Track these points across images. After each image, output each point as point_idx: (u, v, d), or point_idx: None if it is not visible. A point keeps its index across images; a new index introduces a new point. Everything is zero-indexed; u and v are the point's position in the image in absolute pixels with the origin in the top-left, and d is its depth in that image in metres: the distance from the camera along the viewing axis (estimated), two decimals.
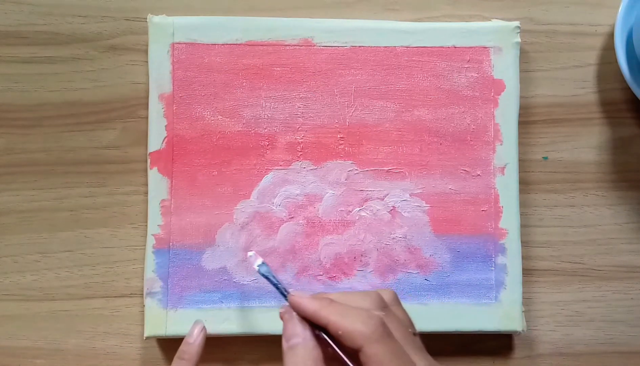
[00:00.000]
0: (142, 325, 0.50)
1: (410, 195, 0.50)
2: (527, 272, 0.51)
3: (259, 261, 0.45)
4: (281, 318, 0.40)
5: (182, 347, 0.47)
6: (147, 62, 0.50)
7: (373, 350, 0.35)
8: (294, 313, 0.39)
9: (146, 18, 0.50)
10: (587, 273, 0.52)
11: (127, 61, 0.51)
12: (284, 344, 0.38)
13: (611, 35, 0.52)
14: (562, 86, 0.53)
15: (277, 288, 0.43)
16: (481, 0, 0.53)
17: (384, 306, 0.39)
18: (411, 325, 0.41)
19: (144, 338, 0.49)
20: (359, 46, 0.50)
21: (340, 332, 0.36)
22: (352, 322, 0.36)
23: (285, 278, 0.49)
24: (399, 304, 0.41)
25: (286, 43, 0.50)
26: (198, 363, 0.47)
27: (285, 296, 0.41)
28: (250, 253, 0.46)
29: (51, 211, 0.51)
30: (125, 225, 0.51)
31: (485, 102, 0.51)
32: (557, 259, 0.52)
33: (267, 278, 0.44)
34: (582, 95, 0.53)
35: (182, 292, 0.49)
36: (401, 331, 0.38)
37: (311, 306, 0.38)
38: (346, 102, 0.50)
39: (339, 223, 0.50)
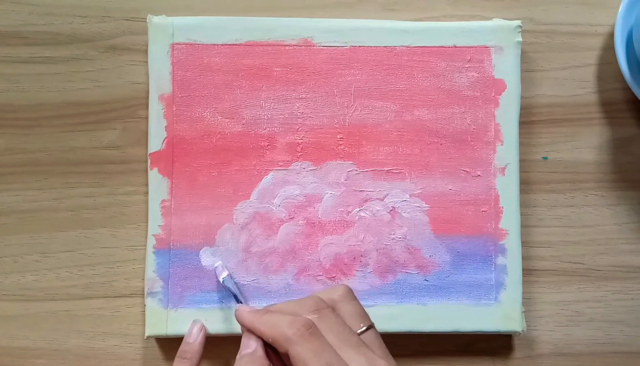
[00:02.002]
0: (142, 325, 0.50)
1: (410, 195, 0.50)
2: (527, 272, 0.51)
3: (225, 274, 0.48)
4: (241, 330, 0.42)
5: (183, 347, 0.47)
6: (147, 62, 0.50)
7: (296, 351, 0.37)
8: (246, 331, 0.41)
9: (146, 18, 0.50)
10: (587, 273, 0.52)
11: (127, 61, 0.51)
12: (238, 355, 0.40)
13: (611, 35, 0.52)
14: (562, 86, 0.53)
15: (237, 300, 0.47)
16: (481, 0, 0.53)
17: (319, 308, 0.40)
18: (364, 319, 0.41)
19: (145, 338, 0.49)
20: (359, 46, 0.50)
21: (270, 340, 0.38)
22: (276, 328, 0.38)
23: (285, 278, 0.49)
24: (351, 299, 0.42)
25: (286, 43, 0.50)
26: (199, 363, 0.47)
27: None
28: (217, 263, 0.49)
29: (51, 211, 0.51)
30: (126, 225, 0.51)
31: (485, 102, 0.51)
32: (557, 259, 0.52)
33: (229, 290, 0.47)
34: (582, 95, 0.53)
35: (183, 292, 0.49)
36: (335, 330, 0.38)
37: (248, 319, 0.41)
38: (346, 103, 0.50)
39: (338, 223, 0.50)
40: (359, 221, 0.50)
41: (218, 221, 0.49)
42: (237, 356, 0.40)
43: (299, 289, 0.49)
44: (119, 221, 0.51)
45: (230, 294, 0.48)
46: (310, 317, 0.39)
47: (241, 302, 0.47)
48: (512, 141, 0.50)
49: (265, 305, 0.49)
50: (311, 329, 0.37)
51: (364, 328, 0.40)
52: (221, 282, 0.48)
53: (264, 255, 0.49)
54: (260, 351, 0.40)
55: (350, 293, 0.42)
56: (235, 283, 0.48)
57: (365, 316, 0.42)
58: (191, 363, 0.47)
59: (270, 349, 0.40)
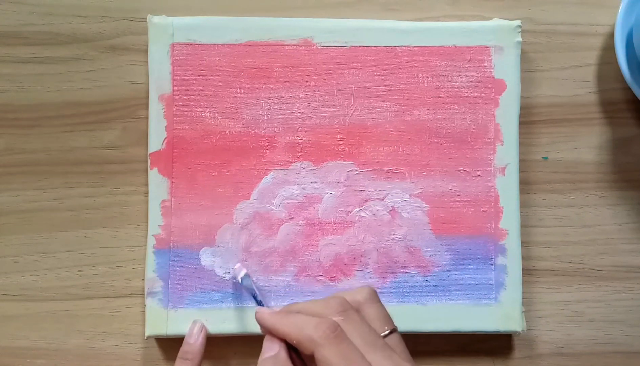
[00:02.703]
0: (142, 325, 0.50)
1: (410, 195, 0.50)
2: (527, 272, 0.51)
3: (243, 272, 0.48)
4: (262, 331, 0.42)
5: (184, 347, 0.47)
6: (147, 62, 0.50)
7: (322, 354, 0.36)
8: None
9: (146, 18, 0.50)
10: (587, 273, 0.52)
11: (127, 61, 0.51)
12: (260, 357, 0.39)
13: (611, 35, 0.52)
14: (562, 86, 0.53)
15: (255, 300, 0.46)
16: (481, 0, 0.53)
17: (344, 309, 0.39)
18: (387, 322, 0.41)
19: (145, 338, 0.49)
20: (359, 46, 0.50)
21: (295, 342, 0.38)
22: (301, 330, 0.37)
23: (285, 278, 0.49)
24: (375, 301, 0.41)
25: (286, 43, 0.50)
26: (201, 363, 0.47)
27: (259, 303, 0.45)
28: (237, 265, 0.49)
29: (51, 211, 0.51)
30: (125, 225, 0.51)
31: (486, 102, 0.51)
32: (557, 259, 0.52)
33: (248, 289, 0.47)
34: (582, 95, 0.53)
35: (183, 292, 0.49)
36: (361, 333, 0.38)
37: (270, 321, 0.40)
38: (346, 103, 0.50)
39: (338, 223, 0.50)
40: (359, 221, 0.50)
41: (218, 221, 0.49)
42: (260, 359, 0.39)
43: (299, 290, 0.49)
44: (119, 221, 0.51)
45: (249, 294, 0.47)
46: (335, 319, 0.38)
47: (261, 302, 0.46)
48: (512, 141, 0.50)
49: (268, 303, 0.49)
50: (337, 331, 0.37)
51: (388, 332, 0.40)
52: (240, 282, 0.48)
53: (264, 255, 0.49)
54: (284, 355, 0.39)
55: (374, 295, 0.42)
56: (254, 282, 0.48)
57: (389, 319, 0.41)
58: (193, 363, 0.47)
59: (292, 351, 0.39)
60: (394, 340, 0.40)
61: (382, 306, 0.41)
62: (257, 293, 0.47)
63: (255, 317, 0.41)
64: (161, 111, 0.49)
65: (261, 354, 0.39)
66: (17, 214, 0.51)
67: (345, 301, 0.40)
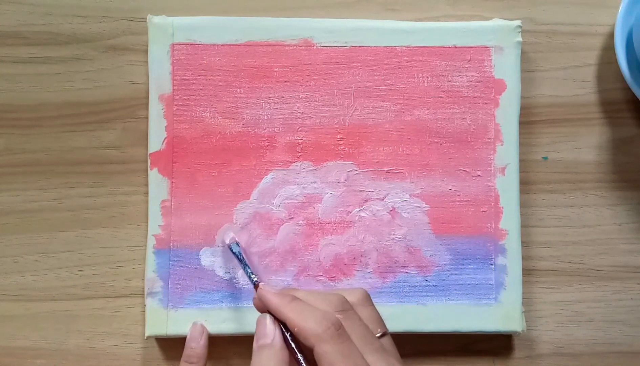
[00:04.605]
0: (142, 325, 0.50)
1: (410, 196, 0.50)
2: (527, 272, 0.51)
3: (231, 238, 0.48)
4: (255, 305, 0.41)
5: (187, 351, 0.47)
6: (147, 62, 0.50)
7: (323, 349, 0.36)
8: (267, 315, 0.40)
9: (146, 18, 0.50)
10: (587, 273, 0.52)
11: (127, 61, 0.51)
12: (254, 344, 0.39)
13: (611, 35, 0.52)
14: (562, 86, 0.53)
15: (245, 271, 0.46)
16: (481, 0, 0.53)
17: (345, 308, 0.39)
18: (380, 325, 0.41)
19: (145, 338, 0.49)
20: (359, 46, 0.50)
21: (295, 329, 0.38)
22: (306, 320, 0.37)
23: (285, 278, 0.49)
24: (369, 304, 0.42)
25: (286, 43, 0.50)
26: (205, 365, 0.47)
27: (252, 281, 0.44)
28: (230, 234, 0.48)
29: (51, 211, 0.51)
30: (126, 225, 0.51)
31: (485, 102, 0.51)
32: (557, 260, 0.52)
33: (237, 258, 0.46)
34: (582, 95, 0.53)
35: (183, 292, 0.49)
36: (360, 333, 0.38)
37: (274, 300, 0.40)
38: (346, 103, 0.50)
39: (338, 223, 0.50)
40: (359, 221, 0.50)
41: (218, 221, 0.49)
42: (255, 345, 0.39)
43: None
44: (119, 221, 0.51)
45: (238, 262, 0.47)
46: (336, 316, 0.38)
47: (251, 274, 0.45)
48: (512, 141, 0.50)
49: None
50: (340, 330, 0.37)
51: (380, 334, 0.40)
52: (229, 249, 0.48)
53: (264, 255, 0.49)
54: (280, 342, 0.39)
55: (368, 298, 0.42)
56: (244, 251, 0.48)
57: (382, 321, 0.41)
58: None
59: (285, 334, 0.39)
60: (387, 342, 0.40)
61: (375, 308, 0.42)
62: (246, 261, 0.46)
63: (257, 292, 0.41)
64: (161, 111, 0.50)
65: (256, 337, 0.39)
66: (17, 214, 0.51)
67: (345, 300, 0.40)
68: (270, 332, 0.39)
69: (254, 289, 0.43)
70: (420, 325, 0.50)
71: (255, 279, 0.44)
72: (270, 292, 0.40)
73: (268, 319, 0.40)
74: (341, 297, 0.40)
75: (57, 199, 0.51)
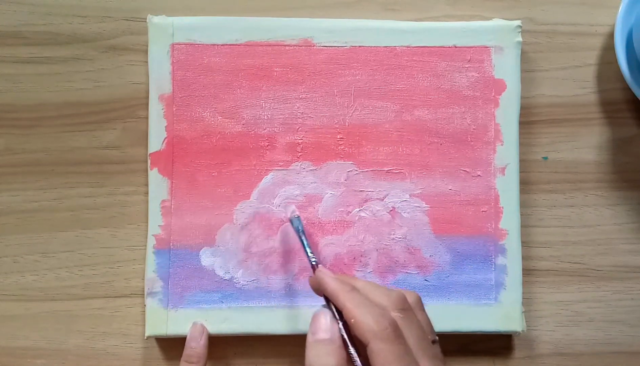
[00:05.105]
0: (142, 325, 0.50)
1: (410, 196, 0.50)
2: (527, 272, 0.51)
3: (295, 213, 0.47)
4: (311, 285, 0.41)
5: (187, 351, 0.47)
6: (147, 62, 0.50)
7: (378, 347, 0.36)
8: (327, 310, 0.39)
9: (146, 18, 0.50)
10: (587, 273, 0.52)
11: (127, 61, 0.51)
12: (310, 336, 0.38)
13: (611, 35, 0.52)
14: (562, 86, 0.53)
15: (305, 249, 0.45)
16: (481, 0, 0.53)
17: (404, 307, 0.39)
18: (431, 331, 0.40)
19: (145, 338, 0.49)
20: (359, 46, 0.50)
21: (352, 320, 0.37)
22: (364, 315, 0.37)
23: (285, 278, 0.49)
24: (422, 309, 0.41)
25: (286, 43, 0.50)
26: (205, 365, 0.47)
27: (310, 261, 0.43)
28: (292, 207, 0.48)
29: (51, 211, 0.51)
30: (125, 225, 0.51)
31: (485, 102, 0.51)
32: (557, 259, 0.52)
33: (297, 233, 0.46)
34: (582, 95, 0.53)
35: (183, 292, 0.49)
36: (417, 336, 0.38)
37: (333, 286, 0.39)
38: (346, 103, 0.50)
39: (338, 223, 0.50)
40: (359, 221, 0.50)
41: (218, 221, 0.49)
42: (311, 338, 0.38)
43: (299, 290, 0.49)
44: (119, 221, 0.51)
45: (298, 238, 0.46)
46: (395, 314, 0.38)
47: (309, 251, 0.44)
48: (512, 141, 0.50)
49: (268, 303, 0.49)
50: (398, 331, 0.37)
51: (432, 341, 0.40)
52: (290, 223, 0.47)
53: (264, 255, 0.49)
54: (340, 342, 0.38)
55: (421, 302, 0.41)
56: (304, 230, 0.46)
57: (433, 328, 0.41)
58: None
59: (338, 321, 0.39)
60: (438, 350, 0.40)
61: (427, 314, 0.41)
62: (306, 240, 0.45)
63: (315, 274, 0.41)
64: (161, 111, 0.50)
65: (312, 330, 0.38)
66: (17, 214, 0.51)
67: (406, 299, 0.39)
68: (329, 328, 0.38)
69: (311, 269, 0.43)
70: None
71: (314, 259, 0.43)
72: (329, 276, 0.40)
73: (329, 315, 0.39)
74: (402, 294, 0.39)
75: (57, 199, 0.51)
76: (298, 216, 0.47)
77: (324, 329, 0.38)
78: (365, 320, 0.37)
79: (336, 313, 0.39)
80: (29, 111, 0.51)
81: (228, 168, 0.50)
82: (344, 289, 0.39)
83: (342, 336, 0.38)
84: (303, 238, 0.45)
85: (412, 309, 0.39)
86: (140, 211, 0.51)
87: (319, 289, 0.40)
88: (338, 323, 0.39)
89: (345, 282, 0.39)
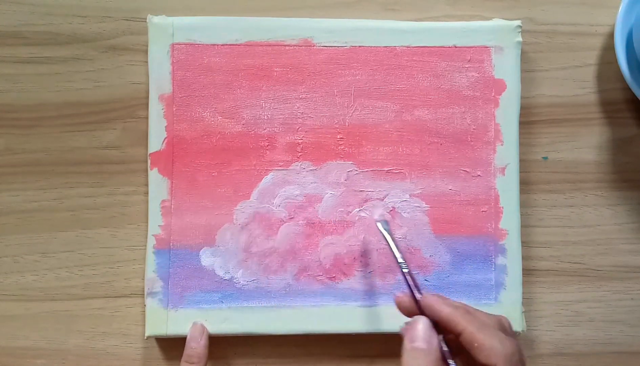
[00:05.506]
0: (142, 325, 0.50)
1: (410, 196, 0.50)
2: (527, 272, 0.51)
3: (384, 217, 0.47)
4: (398, 307, 0.41)
5: (188, 351, 0.47)
6: (147, 62, 0.50)
7: None
8: (427, 319, 0.39)
9: (146, 18, 0.50)
10: (587, 273, 0.52)
11: (127, 61, 0.51)
12: (407, 343, 0.38)
13: (611, 35, 0.52)
14: (562, 86, 0.53)
15: (393, 253, 0.44)
16: (481, 1, 0.53)
17: (510, 333, 0.39)
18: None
19: (145, 338, 0.49)
20: (359, 46, 0.50)
21: (476, 344, 0.37)
22: (489, 338, 0.37)
23: (284, 278, 0.49)
24: (514, 333, 0.42)
25: (286, 43, 0.50)
26: (206, 365, 0.47)
27: (400, 265, 0.43)
28: (380, 210, 0.48)
29: (51, 211, 0.51)
30: (125, 225, 0.51)
31: (485, 102, 0.51)
32: (557, 259, 0.52)
33: (384, 237, 0.45)
34: (582, 95, 0.53)
35: (183, 292, 0.49)
36: (524, 361, 0.38)
37: (446, 310, 0.39)
38: (346, 103, 0.50)
39: (338, 223, 0.50)
40: (359, 221, 0.50)
41: (218, 221, 0.49)
42: (408, 345, 0.38)
43: (299, 290, 0.49)
44: (119, 221, 0.51)
45: (385, 241, 0.46)
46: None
47: (400, 255, 0.44)
48: (512, 141, 0.50)
49: (268, 303, 0.49)
50: (521, 354, 0.37)
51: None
52: (375, 223, 0.47)
53: (264, 255, 0.49)
54: (438, 353, 0.38)
55: (511, 326, 0.42)
56: (391, 234, 0.46)
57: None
58: None
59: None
60: None
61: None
62: (395, 245, 0.45)
63: (423, 301, 0.40)
64: (161, 111, 0.49)
65: (410, 338, 0.38)
66: (17, 214, 0.51)
67: (507, 324, 0.40)
68: (428, 337, 0.38)
69: (400, 273, 0.42)
70: None
71: (404, 264, 0.43)
72: (439, 302, 0.39)
73: (427, 325, 0.39)
74: (505, 320, 0.40)
75: (57, 199, 0.51)
76: (386, 220, 0.48)
77: (421, 338, 0.38)
78: (492, 343, 0.37)
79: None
80: (29, 111, 0.51)
81: (228, 168, 0.50)
82: (459, 313, 0.39)
83: (442, 348, 0.38)
84: (393, 242, 0.45)
85: (521, 360, 0.39)
86: (140, 211, 0.51)
87: (410, 310, 0.40)
88: (438, 336, 0.39)
89: (458, 306, 0.40)
